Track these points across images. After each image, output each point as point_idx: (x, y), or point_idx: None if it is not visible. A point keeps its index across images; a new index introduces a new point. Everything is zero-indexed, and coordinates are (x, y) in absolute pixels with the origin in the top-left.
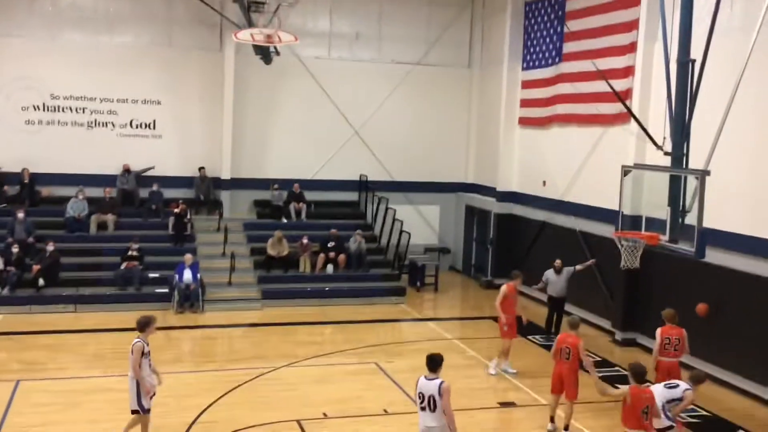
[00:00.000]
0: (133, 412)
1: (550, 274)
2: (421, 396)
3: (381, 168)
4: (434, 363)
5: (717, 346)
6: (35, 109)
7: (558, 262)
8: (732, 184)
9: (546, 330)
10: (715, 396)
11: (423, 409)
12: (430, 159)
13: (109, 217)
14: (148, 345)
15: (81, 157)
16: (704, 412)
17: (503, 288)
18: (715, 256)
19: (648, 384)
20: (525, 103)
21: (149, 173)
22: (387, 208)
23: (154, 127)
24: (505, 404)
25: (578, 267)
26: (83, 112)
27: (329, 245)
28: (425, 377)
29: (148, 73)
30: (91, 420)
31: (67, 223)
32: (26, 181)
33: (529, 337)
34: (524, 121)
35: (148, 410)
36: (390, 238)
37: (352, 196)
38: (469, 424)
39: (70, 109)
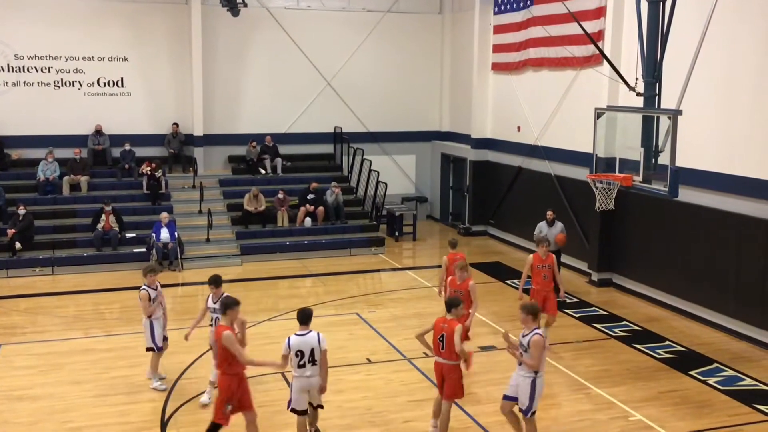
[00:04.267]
0: (149, 349)
1: (543, 226)
2: (300, 353)
3: (355, 119)
4: (307, 317)
5: (693, 283)
6: (0, 71)
7: (549, 213)
8: (704, 122)
9: None
10: (690, 331)
11: (303, 365)
12: (404, 108)
13: (82, 178)
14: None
15: (49, 117)
16: (680, 347)
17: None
18: (688, 195)
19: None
20: (497, 48)
21: (121, 132)
22: (363, 160)
23: (122, 85)
24: (485, 348)
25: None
26: (49, 71)
27: (308, 197)
28: (297, 334)
29: (113, 29)
30: (75, 381)
31: (39, 185)
32: None
33: (508, 281)
34: (497, 67)
35: (161, 348)
36: (367, 189)
37: (327, 148)
38: None
39: (36, 68)
